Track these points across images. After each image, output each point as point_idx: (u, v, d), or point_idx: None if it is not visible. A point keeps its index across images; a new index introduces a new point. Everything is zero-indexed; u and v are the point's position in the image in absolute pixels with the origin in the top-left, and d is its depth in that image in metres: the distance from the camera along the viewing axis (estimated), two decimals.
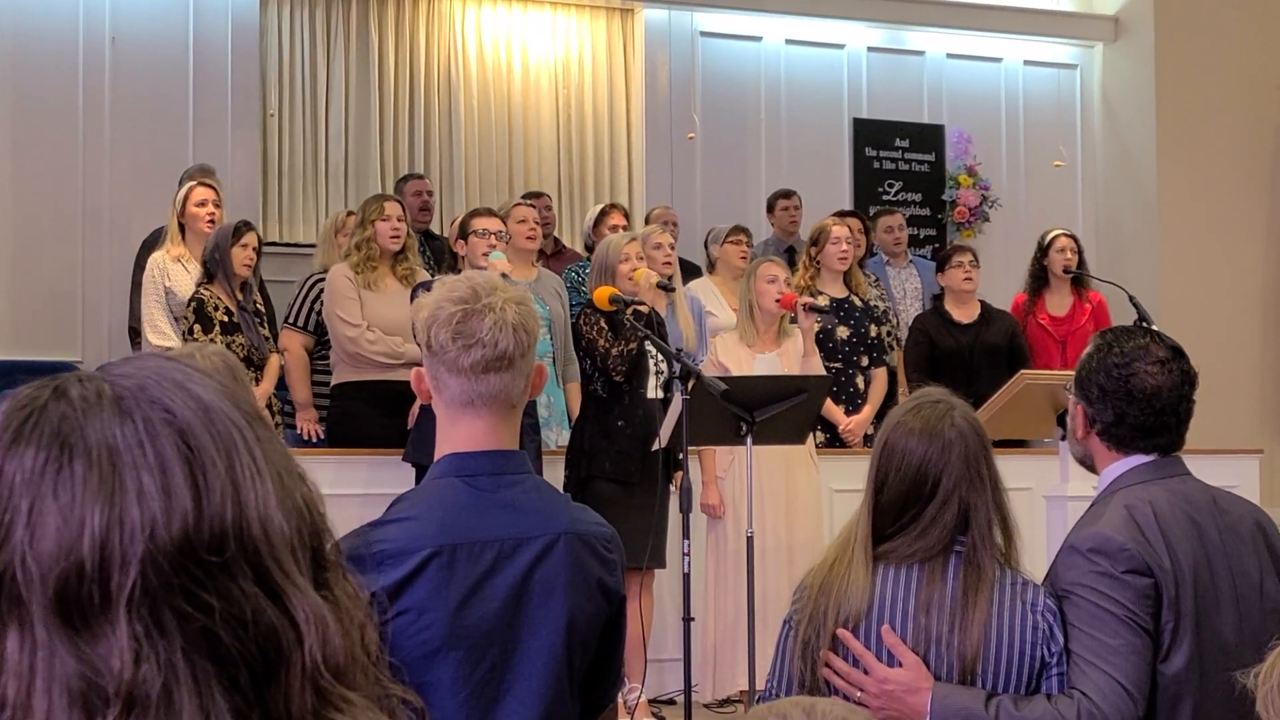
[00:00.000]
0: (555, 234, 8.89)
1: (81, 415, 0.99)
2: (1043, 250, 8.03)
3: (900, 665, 2.65)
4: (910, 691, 2.63)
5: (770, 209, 9.21)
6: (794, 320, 6.64)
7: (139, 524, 0.96)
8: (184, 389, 1.02)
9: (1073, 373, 3.00)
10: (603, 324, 6.11)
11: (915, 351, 7.81)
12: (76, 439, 0.98)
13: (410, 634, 2.31)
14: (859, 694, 2.65)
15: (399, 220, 6.73)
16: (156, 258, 6.88)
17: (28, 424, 0.99)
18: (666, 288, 6.49)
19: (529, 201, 7.56)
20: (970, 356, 7.66)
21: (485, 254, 6.30)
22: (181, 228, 6.94)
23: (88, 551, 0.95)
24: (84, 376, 1.02)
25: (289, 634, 0.99)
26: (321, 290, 6.95)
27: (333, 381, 6.82)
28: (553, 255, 8.32)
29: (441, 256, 7.74)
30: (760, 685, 5.40)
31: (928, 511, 2.66)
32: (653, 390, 6.25)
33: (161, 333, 6.71)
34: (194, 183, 7.09)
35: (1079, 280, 8.00)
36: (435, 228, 8.86)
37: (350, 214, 7.35)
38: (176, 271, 6.81)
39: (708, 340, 7.06)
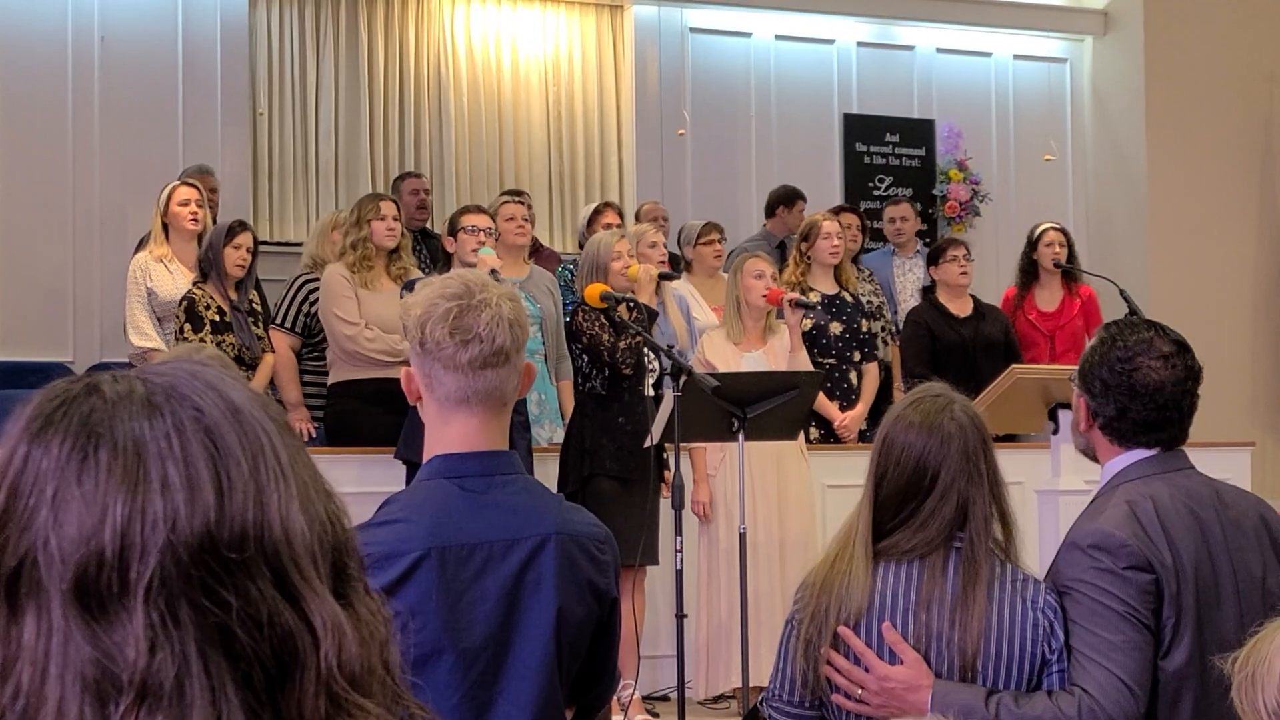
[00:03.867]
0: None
1: (111, 409, 1.00)
2: (1032, 244, 8.00)
3: (901, 663, 2.64)
4: (911, 689, 2.62)
5: (788, 206, 8.87)
6: (780, 316, 6.64)
7: (161, 515, 0.96)
8: (216, 390, 1.03)
9: (1064, 367, 3.00)
10: (604, 320, 6.08)
11: (915, 344, 7.66)
12: (104, 430, 0.99)
13: (401, 638, 2.29)
14: (860, 692, 2.64)
15: (394, 219, 6.72)
16: (139, 259, 6.87)
17: (57, 413, 1.00)
18: (669, 277, 6.46)
19: (516, 198, 7.54)
20: (972, 351, 7.57)
21: (474, 250, 6.30)
22: (166, 228, 6.93)
23: (109, 539, 0.96)
24: (118, 374, 1.04)
25: (305, 638, 1.00)
26: (310, 291, 6.94)
27: (329, 380, 6.81)
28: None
29: (438, 255, 7.72)
30: (753, 682, 5.44)
31: (926, 505, 2.65)
32: (649, 388, 6.25)
33: (143, 333, 6.69)
34: (176, 182, 7.07)
35: (1069, 274, 7.99)
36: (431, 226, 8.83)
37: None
38: (158, 272, 6.79)
39: (696, 338, 7.03)
